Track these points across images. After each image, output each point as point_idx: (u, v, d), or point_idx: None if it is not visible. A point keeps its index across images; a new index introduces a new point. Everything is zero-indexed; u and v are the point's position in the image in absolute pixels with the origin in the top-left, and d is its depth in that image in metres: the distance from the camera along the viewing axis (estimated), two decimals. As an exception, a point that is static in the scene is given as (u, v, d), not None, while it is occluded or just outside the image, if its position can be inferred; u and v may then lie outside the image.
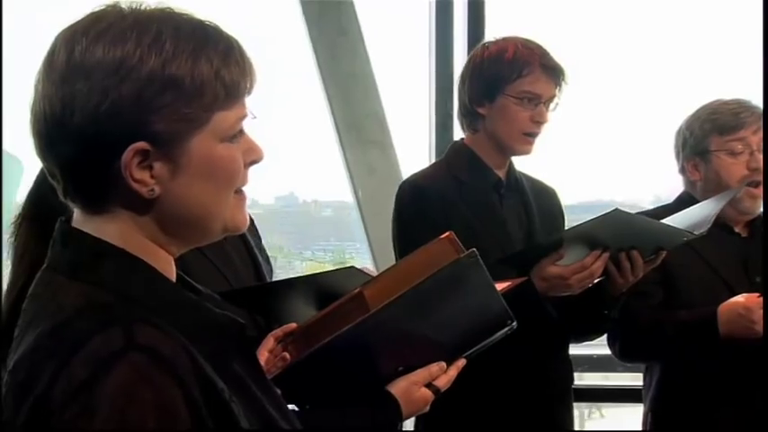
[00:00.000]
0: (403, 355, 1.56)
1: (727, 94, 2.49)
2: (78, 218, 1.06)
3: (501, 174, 2.32)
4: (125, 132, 0.99)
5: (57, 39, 1.03)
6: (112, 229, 1.04)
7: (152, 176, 1.02)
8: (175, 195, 1.03)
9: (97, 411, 0.91)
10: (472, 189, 2.27)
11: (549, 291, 2.13)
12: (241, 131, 1.07)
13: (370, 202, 3.58)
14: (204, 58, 1.02)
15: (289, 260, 5.18)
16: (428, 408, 1.60)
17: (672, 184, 2.55)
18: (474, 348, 1.57)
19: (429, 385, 1.57)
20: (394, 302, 1.48)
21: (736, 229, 2.46)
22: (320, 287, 1.80)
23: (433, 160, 2.90)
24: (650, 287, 2.35)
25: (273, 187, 5.07)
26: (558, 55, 2.29)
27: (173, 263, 1.09)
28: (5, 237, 1.47)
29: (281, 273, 3.67)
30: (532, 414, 2.24)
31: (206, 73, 1.02)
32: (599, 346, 2.58)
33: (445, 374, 1.57)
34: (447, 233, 1.58)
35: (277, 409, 1.09)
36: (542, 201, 2.39)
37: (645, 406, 2.50)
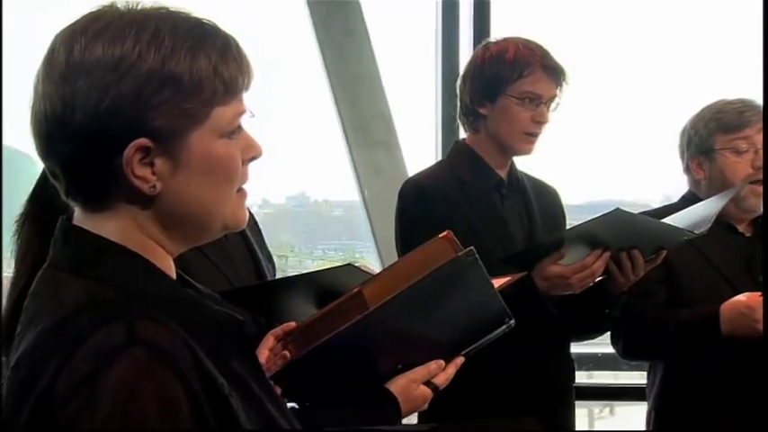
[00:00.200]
0: (402, 353, 1.56)
1: (735, 94, 2.50)
2: (79, 216, 1.07)
3: (503, 174, 2.33)
4: (126, 129, 1.01)
5: (55, 39, 1.04)
6: (113, 227, 1.05)
7: (153, 173, 1.03)
8: (176, 192, 1.04)
9: (99, 405, 0.92)
10: (474, 189, 2.28)
11: (550, 290, 2.13)
12: (239, 128, 1.07)
13: (377, 201, 3.59)
14: (203, 54, 1.03)
15: (300, 259, 5.20)
16: (427, 405, 1.60)
17: (681, 184, 2.55)
18: (472, 346, 1.58)
19: (428, 383, 1.58)
20: (392, 301, 1.49)
21: (740, 229, 2.46)
22: (319, 285, 1.80)
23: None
24: (654, 286, 2.36)
25: (285, 187, 5.09)
26: (563, 55, 2.29)
27: (172, 261, 1.10)
28: (7, 236, 1.49)
29: (292, 272, 3.69)
30: (533, 413, 2.23)
31: (204, 69, 1.03)
32: (606, 345, 2.58)
33: (444, 372, 1.58)
34: (446, 232, 1.59)
35: (275, 406, 1.09)
36: (544, 201, 2.40)
37: (648, 404, 2.50)
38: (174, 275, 1.10)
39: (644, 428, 2.53)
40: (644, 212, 2.38)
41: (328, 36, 3.62)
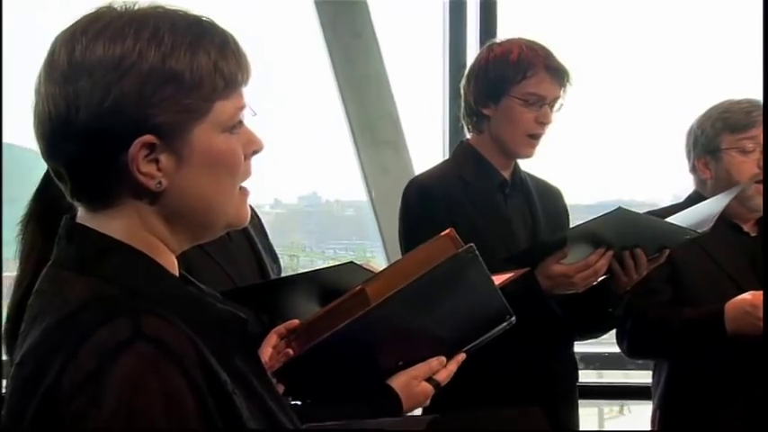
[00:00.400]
0: (403, 350, 1.58)
1: (743, 94, 2.50)
2: (83, 215, 1.08)
3: (506, 174, 2.34)
4: (130, 126, 1.01)
5: (56, 40, 1.05)
6: (118, 225, 1.05)
7: (158, 169, 1.03)
8: (180, 187, 1.05)
9: (105, 401, 0.92)
10: (477, 189, 2.29)
11: (553, 289, 2.14)
12: (240, 123, 1.08)
13: (384, 201, 3.59)
14: (202, 51, 1.04)
15: (311, 259, 5.22)
16: (428, 402, 1.61)
17: (691, 184, 2.56)
18: (474, 343, 1.59)
19: (429, 379, 1.59)
20: (393, 297, 1.50)
21: (745, 228, 2.46)
22: (322, 283, 1.81)
23: (447, 160, 2.91)
24: (659, 285, 2.36)
25: (296, 187, 5.12)
26: (571, 54, 2.29)
27: (175, 260, 1.10)
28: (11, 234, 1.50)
29: (302, 271, 3.70)
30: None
31: (205, 65, 1.03)
32: (613, 344, 2.58)
33: (445, 369, 1.59)
34: (448, 230, 1.59)
35: (277, 404, 1.10)
36: (547, 201, 2.40)
37: (653, 403, 2.50)
38: (177, 274, 1.10)
39: (649, 428, 2.54)
40: (648, 212, 2.39)
41: (336, 37, 3.63)
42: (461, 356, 1.60)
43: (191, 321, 1.01)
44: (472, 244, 1.52)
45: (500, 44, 2.32)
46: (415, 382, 1.58)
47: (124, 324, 0.96)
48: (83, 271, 1.04)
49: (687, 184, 2.54)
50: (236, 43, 1.08)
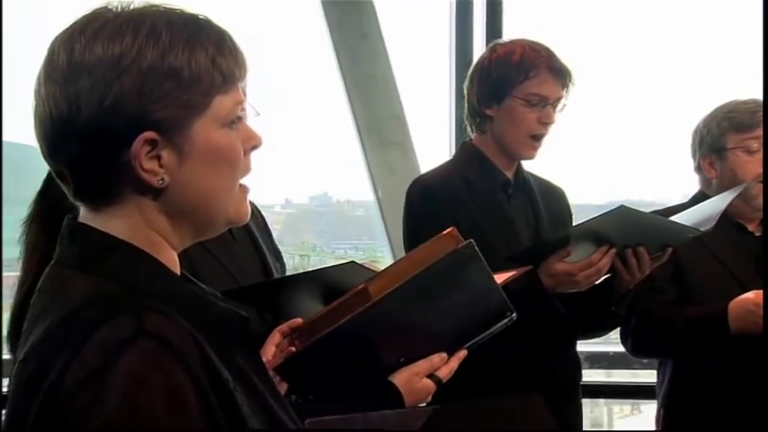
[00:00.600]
0: (404, 346, 1.58)
1: (749, 94, 2.50)
2: (85, 214, 1.08)
3: (509, 174, 2.34)
4: (131, 124, 1.02)
5: (54, 42, 1.06)
6: (120, 224, 1.06)
7: (161, 165, 1.04)
8: (182, 184, 1.06)
9: (108, 398, 0.93)
10: (480, 189, 2.29)
11: (556, 287, 2.14)
12: (239, 118, 1.09)
13: (391, 201, 3.59)
14: (200, 47, 1.05)
15: (322, 258, 5.23)
16: (430, 398, 1.62)
17: (698, 184, 2.56)
18: (475, 339, 1.59)
19: (431, 376, 1.59)
20: (393, 293, 1.51)
21: (750, 228, 2.46)
22: (324, 282, 1.82)
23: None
24: (663, 283, 2.36)
25: (307, 187, 5.13)
26: (577, 55, 2.30)
27: (177, 258, 1.11)
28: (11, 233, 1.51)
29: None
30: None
31: (203, 61, 1.05)
32: (618, 343, 2.58)
33: (446, 365, 1.59)
34: (450, 229, 1.59)
35: (278, 402, 1.11)
36: (550, 201, 2.40)
37: (658, 402, 2.50)
38: (178, 272, 1.11)
39: (653, 429, 2.54)
40: (652, 211, 2.39)
41: (343, 38, 3.64)
42: (463, 353, 1.61)
43: (192, 319, 1.01)
44: (472, 240, 1.52)
45: (503, 45, 2.33)
46: (417, 379, 1.58)
47: (127, 321, 0.97)
48: (85, 269, 1.05)
49: (696, 184, 2.55)
50: (232, 40, 1.09)
